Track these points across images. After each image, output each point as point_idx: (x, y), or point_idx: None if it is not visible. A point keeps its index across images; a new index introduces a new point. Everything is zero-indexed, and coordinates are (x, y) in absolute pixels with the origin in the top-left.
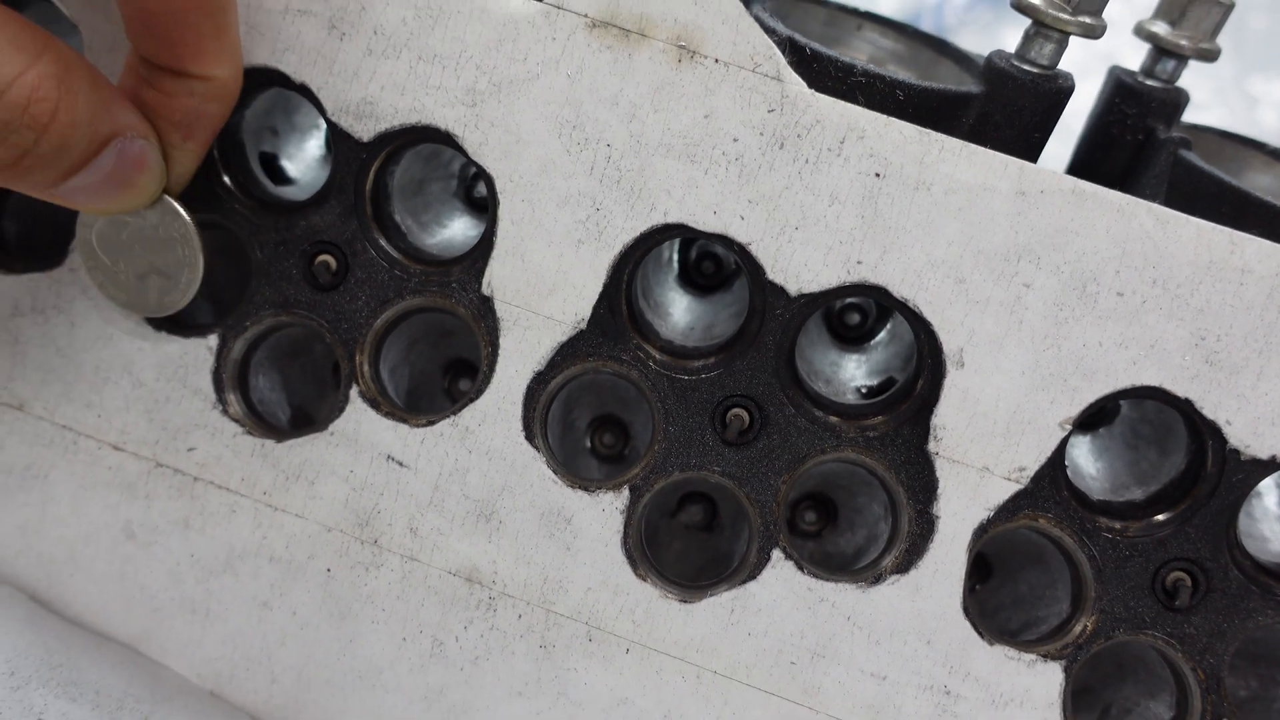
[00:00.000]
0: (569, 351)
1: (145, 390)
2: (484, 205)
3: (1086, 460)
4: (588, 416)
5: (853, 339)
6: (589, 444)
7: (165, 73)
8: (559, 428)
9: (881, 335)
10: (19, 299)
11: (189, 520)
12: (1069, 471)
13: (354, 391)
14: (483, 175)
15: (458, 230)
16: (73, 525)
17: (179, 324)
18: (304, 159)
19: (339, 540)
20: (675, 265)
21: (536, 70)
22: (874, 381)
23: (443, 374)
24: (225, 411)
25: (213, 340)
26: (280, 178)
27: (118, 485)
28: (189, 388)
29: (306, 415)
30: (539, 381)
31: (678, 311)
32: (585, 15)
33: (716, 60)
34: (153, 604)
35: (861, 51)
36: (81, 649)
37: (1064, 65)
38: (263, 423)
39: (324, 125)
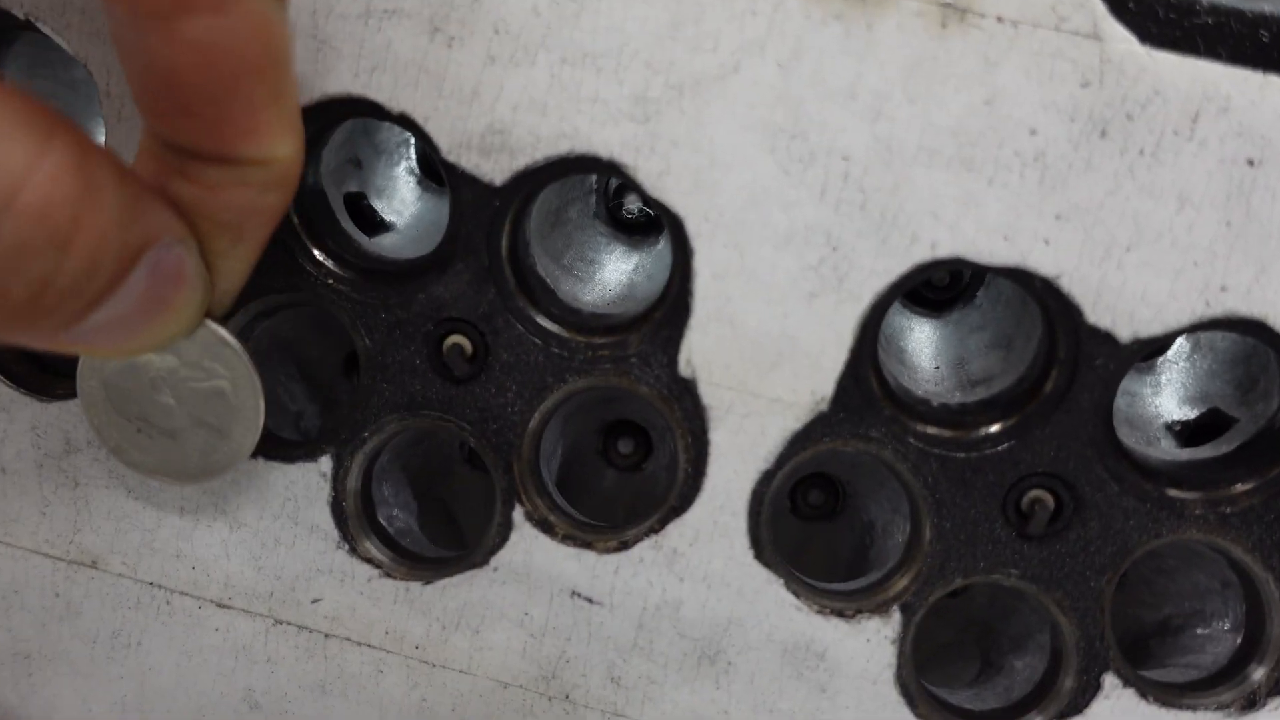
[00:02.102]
0: (803, 439)
1: (248, 532)
2: (633, 227)
3: None
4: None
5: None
6: (789, 503)
7: (204, 160)
8: None
9: (1181, 345)
10: (69, 431)
11: (325, 684)
12: None
13: (517, 514)
14: (666, 217)
15: (610, 270)
16: (181, 698)
17: (279, 447)
18: (396, 193)
19: (520, 698)
20: None
21: (733, 61)
22: (1191, 415)
23: (599, 435)
24: (353, 551)
25: (325, 464)
26: (372, 223)
27: (230, 649)
28: (303, 525)
29: (436, 500)
30: (766, 482)
31: (913, 344)
32: None
33: (1000, 19)
34: None
35: None
36: None
37: None
38: (402, 558)
39: (414, 140)
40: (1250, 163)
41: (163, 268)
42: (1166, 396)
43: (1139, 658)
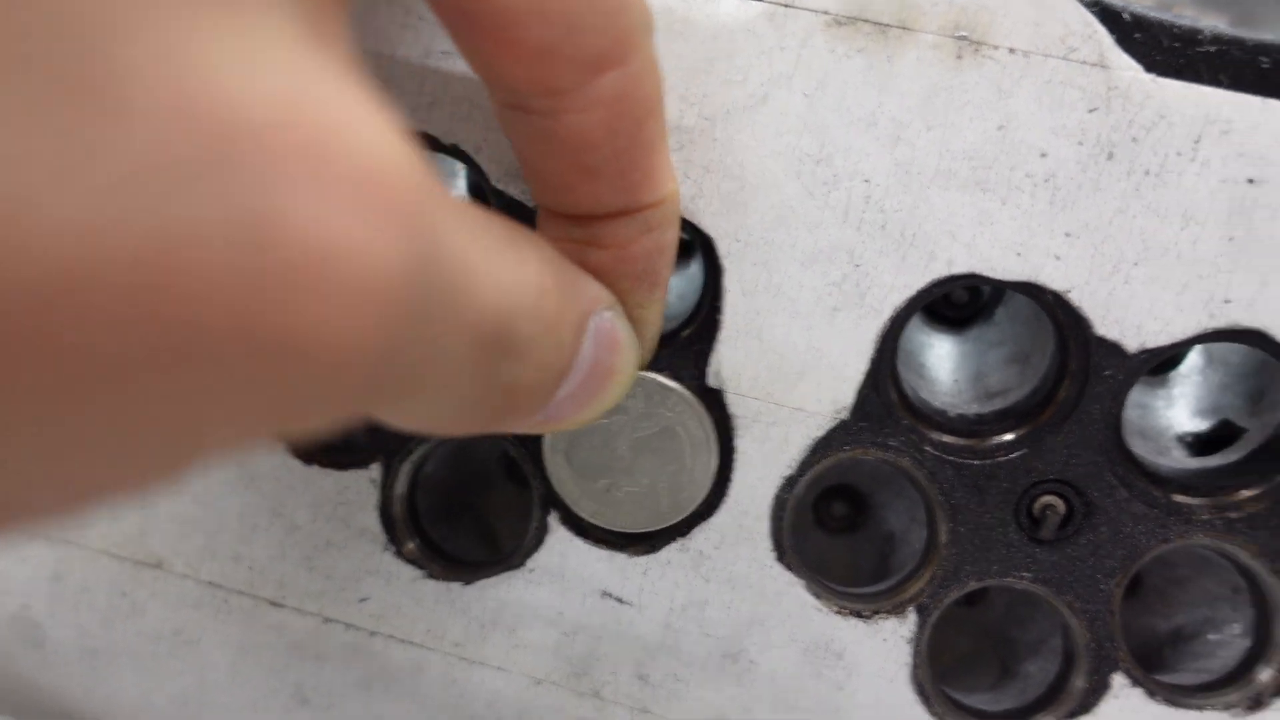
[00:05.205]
0: (825, 447)
1: (301, 535)
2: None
3: None
4: (814, 492)
5: (1155, 368)
6: (813, 516)
7: (610, 219)
8: None
9: (1194, 359)
10: None
11: (369, 680)
12: None
13: (553, 518)
14: (697, 237)
15: None
16: (236, 693)
17: (333, 455)
18: None
19: (552, 695)
20: None
21: (761, 92)
22: (1202, 426)
23: None
24: (399, 553)
25: (375, 471)
26: None
27: (282, 646)
28: (353, 529)
29: (473, 509)
30: (788, 488)
31: (933, 360)
32: (824, 12)
33: (1011, 50)
34: None
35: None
36: None
37: None
38: (446, 562)
39: (465, 170)
40: (1251, 181)
41: (601, 336)
42: (1179, 409)
43: (1153, 666)
